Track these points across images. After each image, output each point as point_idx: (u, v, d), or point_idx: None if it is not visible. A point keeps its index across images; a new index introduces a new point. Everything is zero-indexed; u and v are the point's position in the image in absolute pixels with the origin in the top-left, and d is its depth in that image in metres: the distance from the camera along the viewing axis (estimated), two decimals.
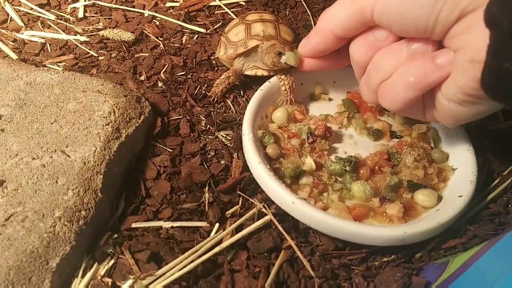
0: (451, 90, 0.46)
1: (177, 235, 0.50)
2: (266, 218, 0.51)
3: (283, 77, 0.63)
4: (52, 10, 0.83)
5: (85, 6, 0.84)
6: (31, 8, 0.82)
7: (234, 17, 0.84)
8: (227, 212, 0.53)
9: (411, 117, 0.60)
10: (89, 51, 0.75)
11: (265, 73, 0.67)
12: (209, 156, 0.60)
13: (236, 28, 0.70)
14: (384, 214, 0.53)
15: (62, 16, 0.82)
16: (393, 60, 0.49)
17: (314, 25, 0.83)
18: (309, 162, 0.56)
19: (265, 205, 0.53)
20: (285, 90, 0.63)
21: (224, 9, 0.87)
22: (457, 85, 0.44)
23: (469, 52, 0.42)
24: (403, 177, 0.57)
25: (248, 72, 0.68)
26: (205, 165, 0.58)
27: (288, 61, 0.61)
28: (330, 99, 0.68)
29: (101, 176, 0.52)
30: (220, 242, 0.49)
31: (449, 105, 0.47)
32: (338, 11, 0.52)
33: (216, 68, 0.74)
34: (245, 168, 0.57)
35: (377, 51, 0.51)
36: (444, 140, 0.62)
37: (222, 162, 0.59)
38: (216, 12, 0.86)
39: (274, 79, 0.65)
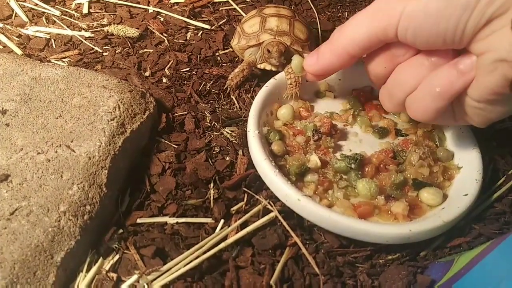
0: (478, 91, 0.46)
1: (182, 231, 0.50)
2: (271, 215, 0.51)
3: (290, 70, 0.63)
4: (57, 6, 0.83)
5: (90, 2, 0.84)
6: (36, 4, 0.82)
7: (242, 12, 0.84)
8: (232, 209, 0.53)
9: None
10: (93, 47, 0.75)
11: (274, 68, 0.67)
12: (214, 152, 0.60)
13: (252, 20, 0.71)
14: (389, 212, 0.53)
15: (66, 12, 0.82)
16: (416, 74, 0.50)
17: (320, 22, 0.84)
18: (314, 160, 0.56)
19: (270, 202, 0.53)
20: (290, 84, 0.63)
21: (228, 6, 0.87)
22: (485, 85, 0.45)
23: (498, 52, 0.42)
24: (408, 175, 0.56)
25: (258, 66, 0.69)
26: (210, 161, 0.58)
27: (294, 67, 0.62)
28: (335, 97, 0.68)
29: (106, 171, 0.52)
30: (225, 238, 0.49)
31: (478, 106, 0.47)
32: (355, 30, 0.51)
33: (220, 64, 0.74)
34: (250, 165, 0.57)
35: (396, 65, 0.52)
36: (450, 139, 0.61)
37: (227, 158, 0.59)
38: (220, 8, 0.86)
39: (279, 76, 0.65)
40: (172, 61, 0.73)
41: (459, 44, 0.46)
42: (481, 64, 0.45)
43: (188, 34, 0.80)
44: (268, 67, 0.68)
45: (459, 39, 0.45)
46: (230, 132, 0.63)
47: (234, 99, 0.68)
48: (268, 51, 0.65)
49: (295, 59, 0.61)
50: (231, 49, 0.77)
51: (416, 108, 0.51)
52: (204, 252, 0.47)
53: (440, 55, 0.48)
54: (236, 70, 0.68)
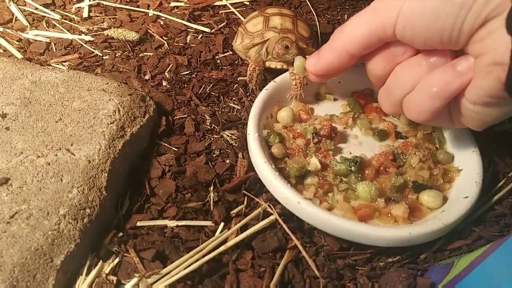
0: (475, 93, 0.46)
1: (182, 234, 0.50)
2: (271, 218, 0.51)
3: (295, 71, 0.63)
4: (57, 10, 0.83)
5: (90, 5, 0.84)
6: (36, 8, 0.82)
7: (240, 16, 0.85)
8: (232, 212, 0.53)
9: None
10: (93, 50, 0.75)
11: (278, 66, 0.67)
12: (214, 155, 0.60)
13: (255, 19, 0.71)
14: (389, 214, 0.53)
15: (66, 15, 0.82)
16: (414, 74, 0.50)
17: (319, 25, 0.84)
18: (314, 162, 0.56)
19: (270, 205, 0.53)
20: (295, 84, 0.63)
21: (228, 9, 0.87)
22: (481, 88, 0.45)
23: (492, 55, 0.43)
24: (408, 178, 0.56)
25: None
26: (210, 164, 0.58)
27: (296, 68, 0.61)
28: (335, 99, 0.68)
29: (106, 174, 0.52)
30: (225, 241, 0.49)
31: (474, 109, 0.47)
32: (354, 29, 0.51)
33: (220, 67, 0.74)
34: (250, 167, 0.57)
35: (395, 65, 0.52)
36: (449, 141, 0.61)
37: (227, 161, 0.59)
38: (220, 11, 0.86)
39: (279, 79, 0.65)
40: (172, 64, 0.73)
41: (456, 44, 0.46)
42: (478, 66, 0.45)
43: (188, 38, 0.80)
44: (273, 65, 0.68)
45: (455, 39, 0.45)
46: (230, 135, 0.63)
47: (234, 102, 0.68)
48: (287, 47, 0.64)
49: (297, 60, 0.61)
50: (231, 52, 0.77)
51: (413, 108, 0.51)
52: (204, 255, 0.47)
53: (439, 56, 0.49)
54: (248, 73, 0.67)
